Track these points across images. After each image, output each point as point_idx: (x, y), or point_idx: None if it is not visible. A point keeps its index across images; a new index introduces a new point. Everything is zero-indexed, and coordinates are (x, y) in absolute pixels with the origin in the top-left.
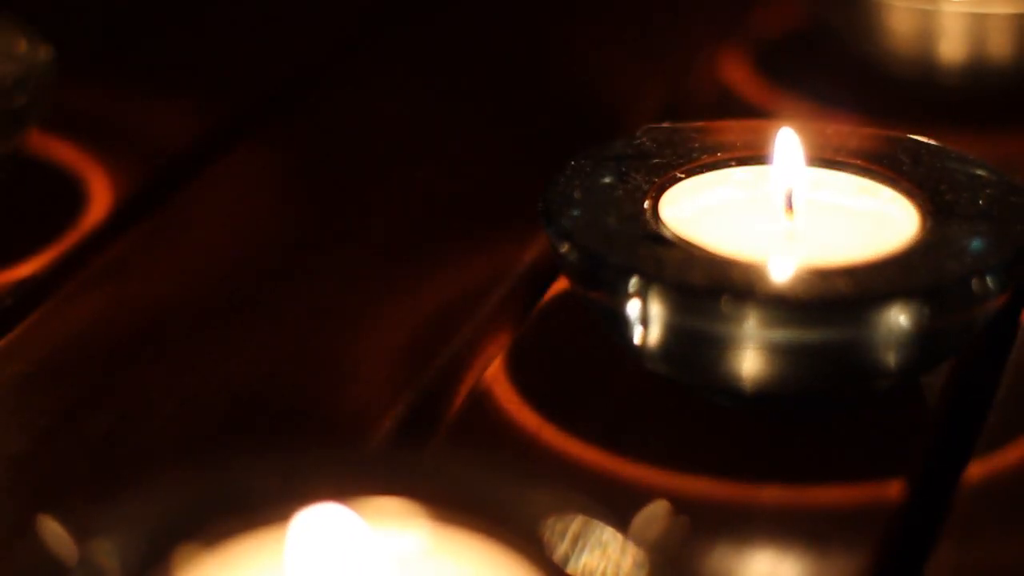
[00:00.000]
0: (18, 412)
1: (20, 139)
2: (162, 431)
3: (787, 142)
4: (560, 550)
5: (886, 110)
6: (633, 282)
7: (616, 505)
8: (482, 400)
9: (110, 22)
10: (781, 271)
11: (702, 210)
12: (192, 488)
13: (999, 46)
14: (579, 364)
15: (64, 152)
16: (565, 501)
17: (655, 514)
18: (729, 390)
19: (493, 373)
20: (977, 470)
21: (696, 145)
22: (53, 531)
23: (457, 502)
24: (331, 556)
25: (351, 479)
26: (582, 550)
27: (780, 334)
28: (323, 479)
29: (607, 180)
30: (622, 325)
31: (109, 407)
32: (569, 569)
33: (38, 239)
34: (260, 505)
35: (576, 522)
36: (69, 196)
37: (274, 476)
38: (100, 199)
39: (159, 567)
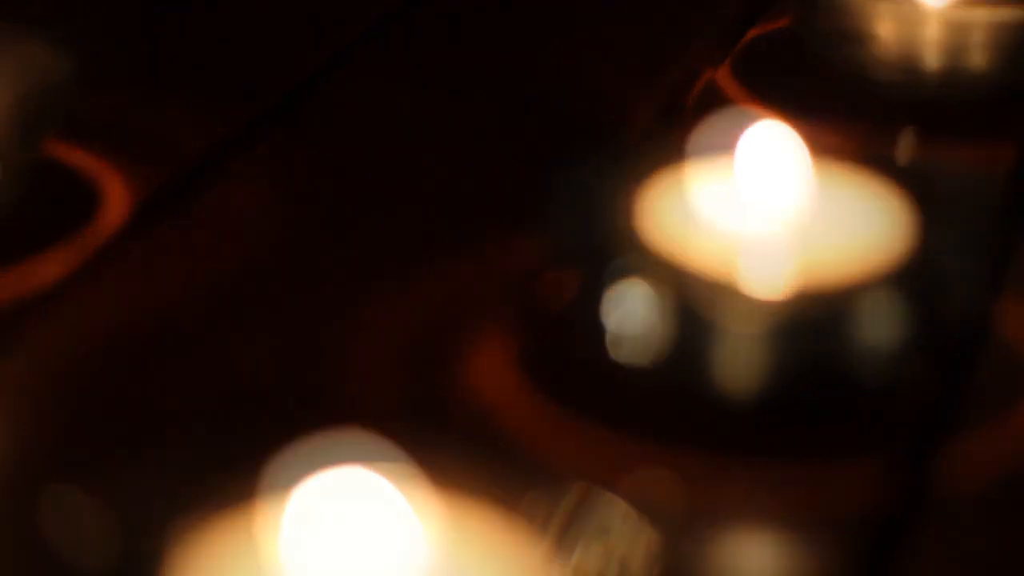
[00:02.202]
0: (37, 407)
1: (39, 146)
2: (170, 426)
3: (774, 146)
4: (564, 525)
5: (872, 115)
6: (619, 285)
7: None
8: (481, 399)
9: (124, 29)
10: (764, 276)
11: (691, 213)
12: (196, 457)
13: (981, 51)
14: (575, 364)
15: (82, 158)
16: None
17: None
18: (712, 391)
19: (490, 374)
20: (953, 461)
21: (686, 148)
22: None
23: (461, 474)
24: (334, 520)
25: (355, 451)
26: (587, 527)
27: (762, 339)
28: (326, 451)
29: (600, 183)
30: (611, 326)
31: (122, 403)
32: (572, 543)
33: (57, 243)
34: (262, 474)
35: (581, 496)
36: (86, 201)
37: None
38: (117, 203)
39: (164, 533)
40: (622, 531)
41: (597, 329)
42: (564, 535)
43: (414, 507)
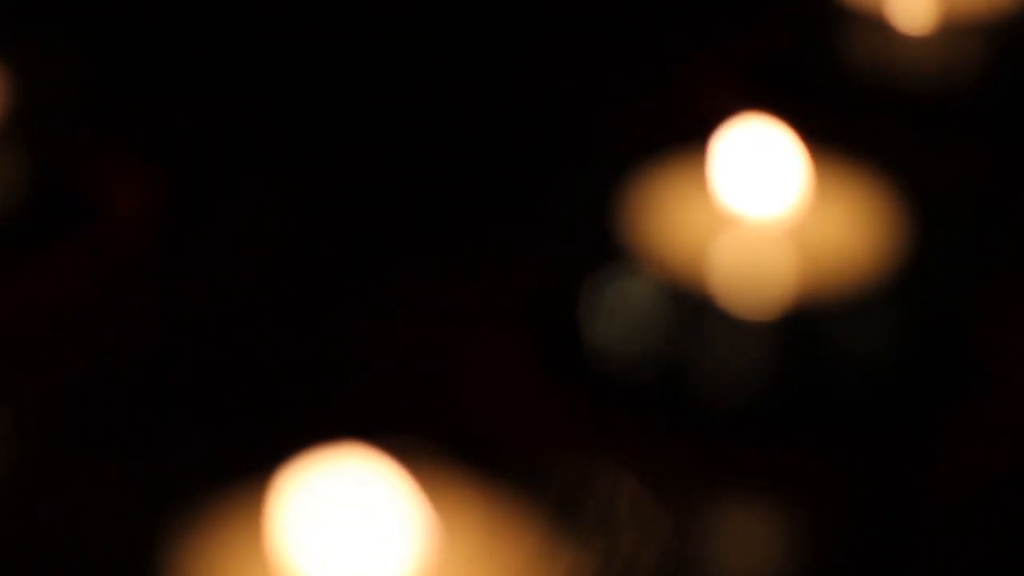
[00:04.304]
0: (43, 406)
1: (55, 150)
2: (172, 432)
3: (769, 147)
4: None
5: (869, 116)
6: (616, 288)
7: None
8: (484, 401)
9: (143, 36)
10: (760, 277)
11: (689, 214)
12: (202, 462)
13: (970, 64)
14: (576, 364)
15: (96, 163)
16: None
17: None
18: (707, 394)
19: (493, 375)
20: (947, 462)
21: (685, 150)
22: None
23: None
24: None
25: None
26: (593, 515)
27: (757, 340)
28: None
29: (599, 186)
30: (608, 328)
31: (123, 406)
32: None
33: (63, 245)
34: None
35: (586, 483)
36: (100, 206)
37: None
38: (126, 205)
39: (168, 530)
40: (628, 513)
41: (596, 331)
42: (569, 517)
43: (418, 503)
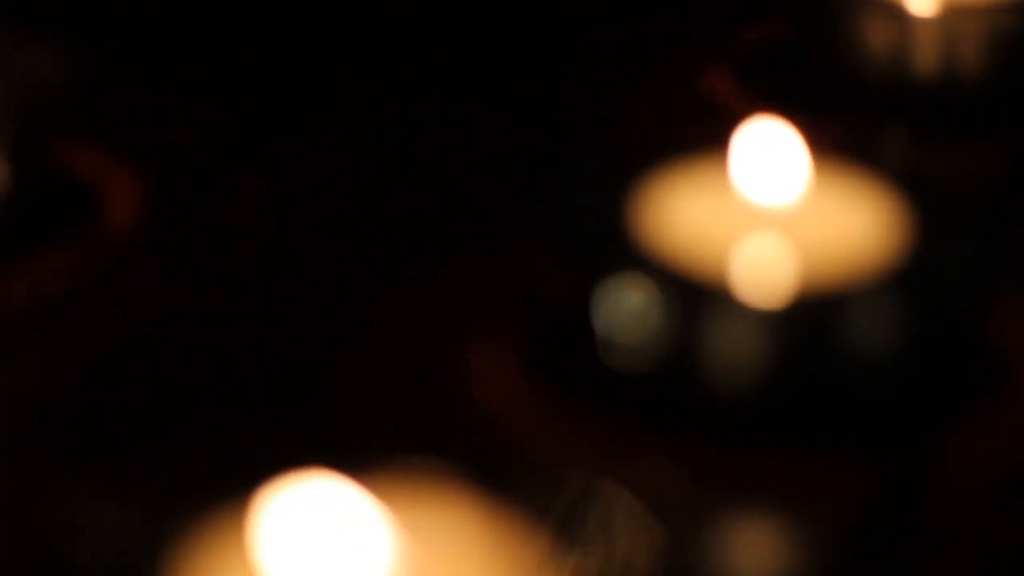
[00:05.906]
0: (40, 409)
1: (44, 149)
2: (168, 430)
3: (772, 145)
4: (564, 520)
5: (870, 116)
6: (617, 285)
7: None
8: (483, 400)
9: (132, 33)
10: (762, 276)
11: (689, 214)
12: (194, 463)
13: (973, 55)
14: (575, 363)
15: (86, 161)
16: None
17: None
18: (708, 392)
19: (491, 374)
20: (949, 455)
21: (685, 148)
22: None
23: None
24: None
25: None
26: (589, 521)
27: (759, 338)
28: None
29: (600, 183)
30: (609, 325)
31: (121, 409)
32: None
33: (61, 247)
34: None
35: (582, 489)
36: (91, 204)
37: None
38: (122, 206)
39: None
40: (625, 526)
41: (596, 329)
42: (564, 530)
43: (409, 509)
